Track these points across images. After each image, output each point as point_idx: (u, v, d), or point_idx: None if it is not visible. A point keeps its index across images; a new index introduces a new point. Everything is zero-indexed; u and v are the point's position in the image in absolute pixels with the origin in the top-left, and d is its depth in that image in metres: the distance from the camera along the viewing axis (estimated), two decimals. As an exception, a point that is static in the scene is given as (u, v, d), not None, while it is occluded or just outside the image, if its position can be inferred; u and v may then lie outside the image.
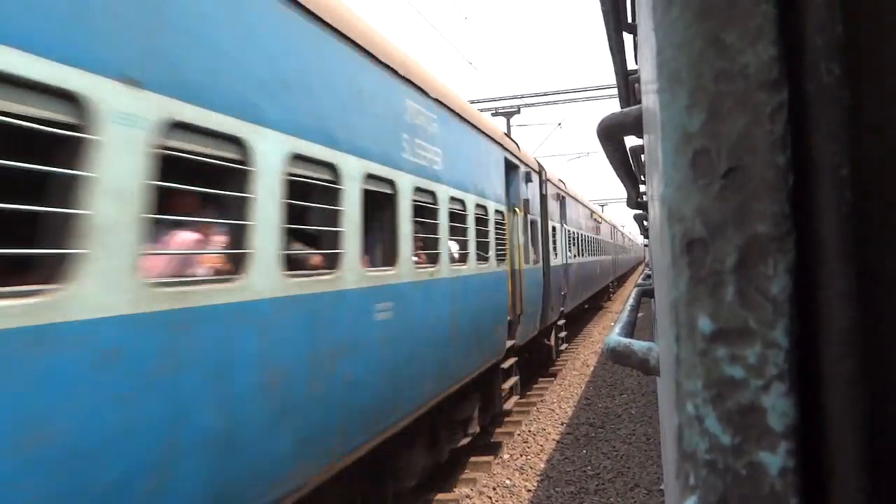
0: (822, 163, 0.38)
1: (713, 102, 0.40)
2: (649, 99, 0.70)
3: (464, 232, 6.74)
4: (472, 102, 20.75)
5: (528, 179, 10.34)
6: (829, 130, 0.38)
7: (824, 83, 0.39)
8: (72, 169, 2.16)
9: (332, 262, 3.85)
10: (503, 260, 8.33)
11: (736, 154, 0.39)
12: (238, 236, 2.99)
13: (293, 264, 3.47)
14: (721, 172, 0.39)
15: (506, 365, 8.67)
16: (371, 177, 4.34)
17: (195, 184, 2.80)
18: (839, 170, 0.38)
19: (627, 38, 2.92)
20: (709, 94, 0.40)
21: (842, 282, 0.38)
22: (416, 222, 5.29)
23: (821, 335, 0.38)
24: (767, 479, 0.37)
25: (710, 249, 0.39)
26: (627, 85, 3.01)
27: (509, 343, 8.52)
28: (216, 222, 3.07)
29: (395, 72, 4.93)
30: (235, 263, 2.98)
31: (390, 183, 4.73)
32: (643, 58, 0.93)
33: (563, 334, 14.49)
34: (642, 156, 3.37)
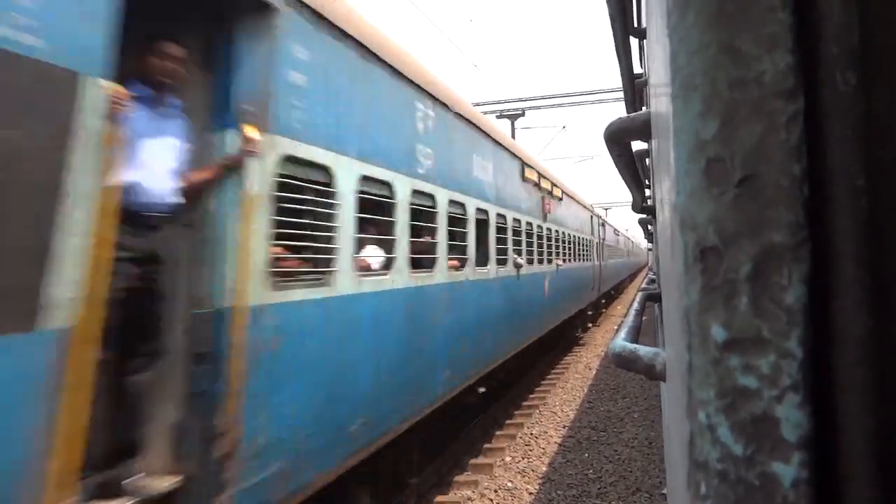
0: (838, 172, 0.38)
1: (728, 110, 0.39)
2: (660, 103, 0.69)
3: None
4: (477, 105, 20.76)
5: None
6: (844, 139, 0.38)
7: (840, 92, 0.38)
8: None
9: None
10: None
11: (751, 162, 0.39)
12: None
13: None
14: (735, 181, 0.39)
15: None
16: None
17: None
18: (855, 179, 0.38)
19: (633, 42, 2.91)
20: (723, 102, 0.40)
21: (857, 291, 0.37)
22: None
23: (835, 345, 0.38)
24: (780, 490, 0.37)
25: (723, 258, 0.39)
26: (634, 88, 3.00)
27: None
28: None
29: None
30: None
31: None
32: (653, 62, 0.93)
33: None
34: (647, 160, 3.37)
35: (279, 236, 3.35)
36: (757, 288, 0.38)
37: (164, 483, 2.79)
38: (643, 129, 1.42)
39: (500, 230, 7.95)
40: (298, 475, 3.41)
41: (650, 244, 9.98)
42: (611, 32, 2.36)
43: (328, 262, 3.78)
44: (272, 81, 3.23)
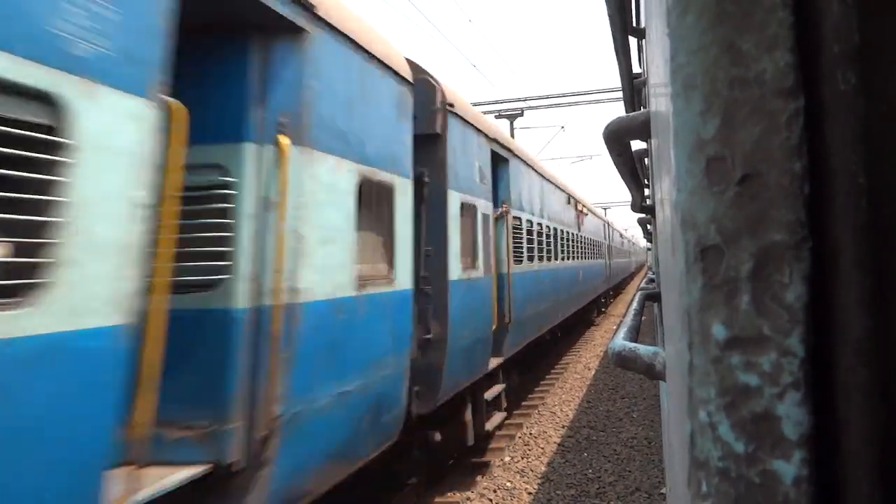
0: (839, 171, 0.38)
1: (728, 109, 0.39)
2: (660, 103, 0.69)
3: None
4: (476, 105, 20.74)
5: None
6: (845, 138, 0.38)
7: (840, 91, 0.38)
8: None
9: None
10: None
11: (751, 161, 0.39)
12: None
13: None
14: (736, 179, 0.39)
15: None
16: None
17: None
18: (855, 178, 0.38)
19: (632, 41, 2.92)
20: (724, 101, 0.40)
21: (858, 290, 0.37)
22: None
23: (836, 343, 0.38)
24: (781, 487, 0.37)
25: (724, 257, 0.39)
26: (633, 88, 3.01)
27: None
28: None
29: None
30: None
31: None
32: (652, 62, 0.93)
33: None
34: (646, 159, 3.37)
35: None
36: (758, 286, 0.38)
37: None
38: (642, 129, 1.42)
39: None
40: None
41: (649, 243, 10.03)
42: (610, 32, 2.36)
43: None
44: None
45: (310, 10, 3.51)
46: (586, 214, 17.86)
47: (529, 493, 6.88)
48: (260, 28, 3.37)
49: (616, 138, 1.54)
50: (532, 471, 7.56)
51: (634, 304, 2.23)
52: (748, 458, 0.38)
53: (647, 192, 3.59)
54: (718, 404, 0.39)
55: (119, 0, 2.24)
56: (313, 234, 3.54)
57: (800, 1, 0.39)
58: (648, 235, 7.03)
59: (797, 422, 0.37)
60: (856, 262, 0.38)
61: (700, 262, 0.40)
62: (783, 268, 0.38)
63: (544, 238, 10.94)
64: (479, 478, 7.20)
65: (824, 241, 0.38)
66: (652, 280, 5.33)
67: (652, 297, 2.65)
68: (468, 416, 6.78)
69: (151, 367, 2.48)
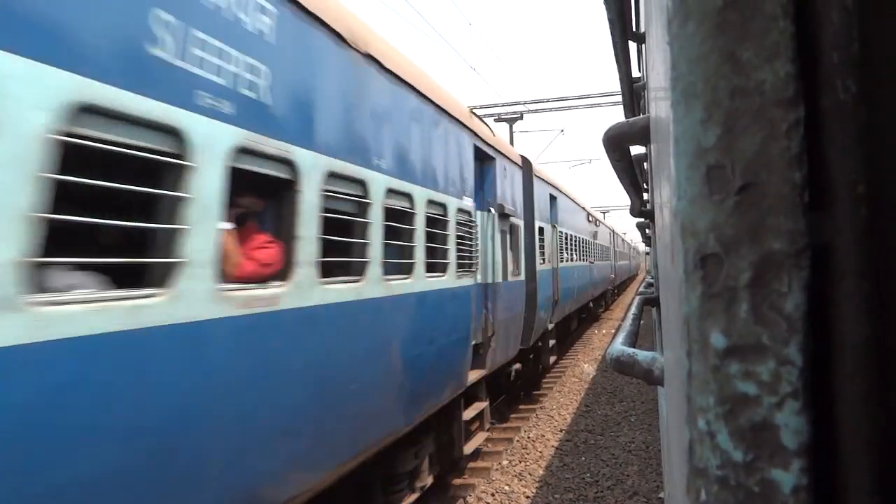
0: (839, 180, 0.38)
1: (729, 118, 0.40)
2: (660, 108, 0.70)
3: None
4: (475, 108, 20.73)
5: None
6: (845, 147, 0.38)
7: (840, 100, 0.39)
8: None
9: None
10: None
11: (751, 170, 0.39)
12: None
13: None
14: (736, 188, 0.39)
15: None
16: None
17: None
18: (855, 187, 0.38)
19: (631, 45, 2.92)
20: (724, 110, 0.40)
21: (857, 299, 0.37)
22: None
23: (835, 352, 0.38)
24: (780, 496, 0.37)
25: (724, 265, 0.39)
26: (632, 92, 3.01)
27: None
28: None
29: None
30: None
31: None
32: (652, 67, 0.93)
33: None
34: (645, 164, 3.37)
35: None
36: (757, 295, 0.38)
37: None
38: (642, 134, 1.42)
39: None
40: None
41: (648, 247, 10.12)
42: (610, 37, 2.37)
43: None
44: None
45: (495, 149, 8.26)
46: (598, 226, 23.61)
47: (527, 497, 6.87)
48: (479, 159, 7.59)
49: (615, 143, 1.55)
50: (530, 474, 7.56)
51: (633, 309, 2.23)
52: (747, 466, 0.38)
53: (645, 196, 3.59)
54: (717, 413, 0.39)
55: (467, 171, 6.94)
56: (498, 250, 8.20)
57: (800, 10, 0.39)
58: (647, 240, 7.03)
59: (796, 431, 0.37)
60: (855, 270, 0.38)
61: (699, 271, 0.40)
62: (782, 277, 0.38)
63: (574, 245, 16.06)
64: (476, 481, 7.19)
65: (824, 251, 0.38)
66: (650, 284, 5.32)
67: (650, 302, 2.65)
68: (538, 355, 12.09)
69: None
